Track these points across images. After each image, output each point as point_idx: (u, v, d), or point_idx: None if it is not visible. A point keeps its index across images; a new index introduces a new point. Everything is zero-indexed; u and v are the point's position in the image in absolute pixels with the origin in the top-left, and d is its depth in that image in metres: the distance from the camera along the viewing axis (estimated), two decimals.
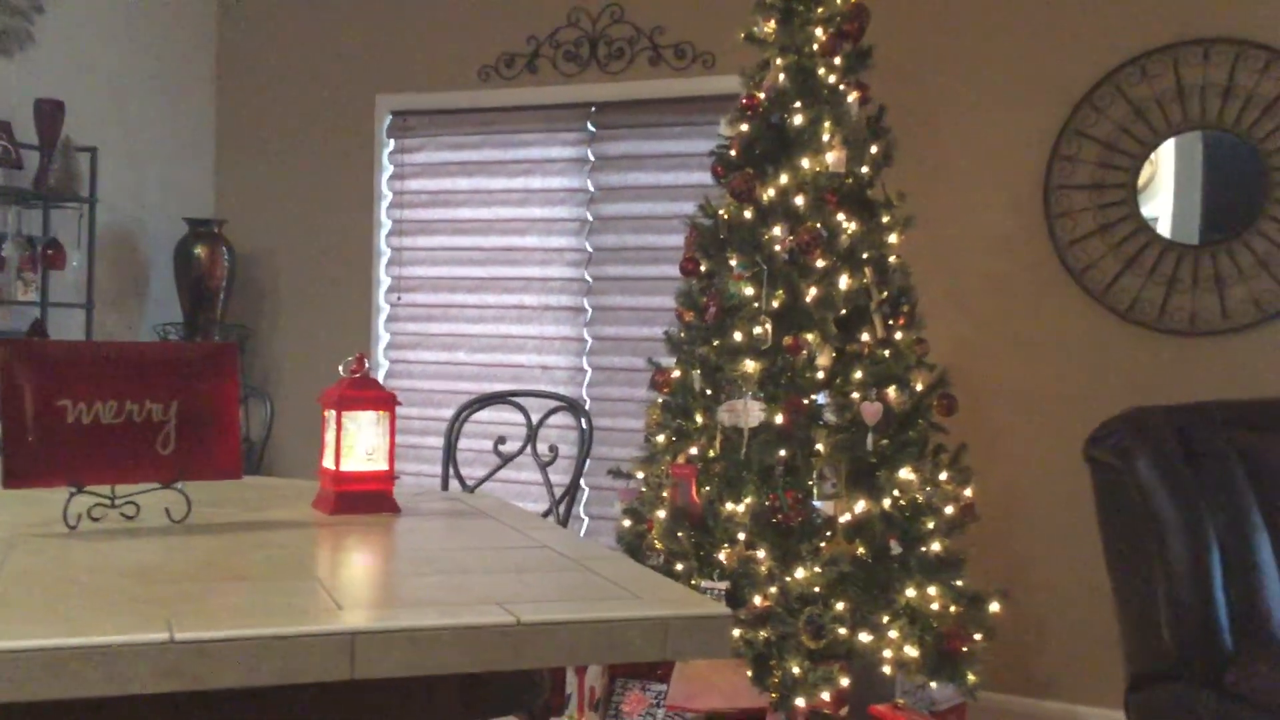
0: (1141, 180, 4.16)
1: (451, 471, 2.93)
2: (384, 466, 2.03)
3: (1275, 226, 3.90)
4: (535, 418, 2.94)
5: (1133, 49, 4.04)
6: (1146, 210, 4.14)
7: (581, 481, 4.85)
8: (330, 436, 2.02)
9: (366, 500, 2.02)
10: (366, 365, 2.04)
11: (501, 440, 2.90)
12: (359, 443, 2.01)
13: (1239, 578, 2.71)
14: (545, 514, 2.86)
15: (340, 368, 2.06)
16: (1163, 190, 4.16)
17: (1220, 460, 2.84)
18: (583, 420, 2.92)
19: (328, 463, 2.04)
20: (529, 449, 2.90)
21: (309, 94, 5.31)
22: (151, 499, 1.92)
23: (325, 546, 1.81)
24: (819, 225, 3.51)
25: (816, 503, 3.51)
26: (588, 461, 4.77)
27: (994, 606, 3.57)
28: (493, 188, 5.00)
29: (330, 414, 2.02)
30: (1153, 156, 4.12)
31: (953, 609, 3.53)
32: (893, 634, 3.39)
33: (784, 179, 3.56)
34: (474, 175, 5.03)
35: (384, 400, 2.04)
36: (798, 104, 3.57)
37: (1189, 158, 4.10)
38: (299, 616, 1.36)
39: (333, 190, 5.27)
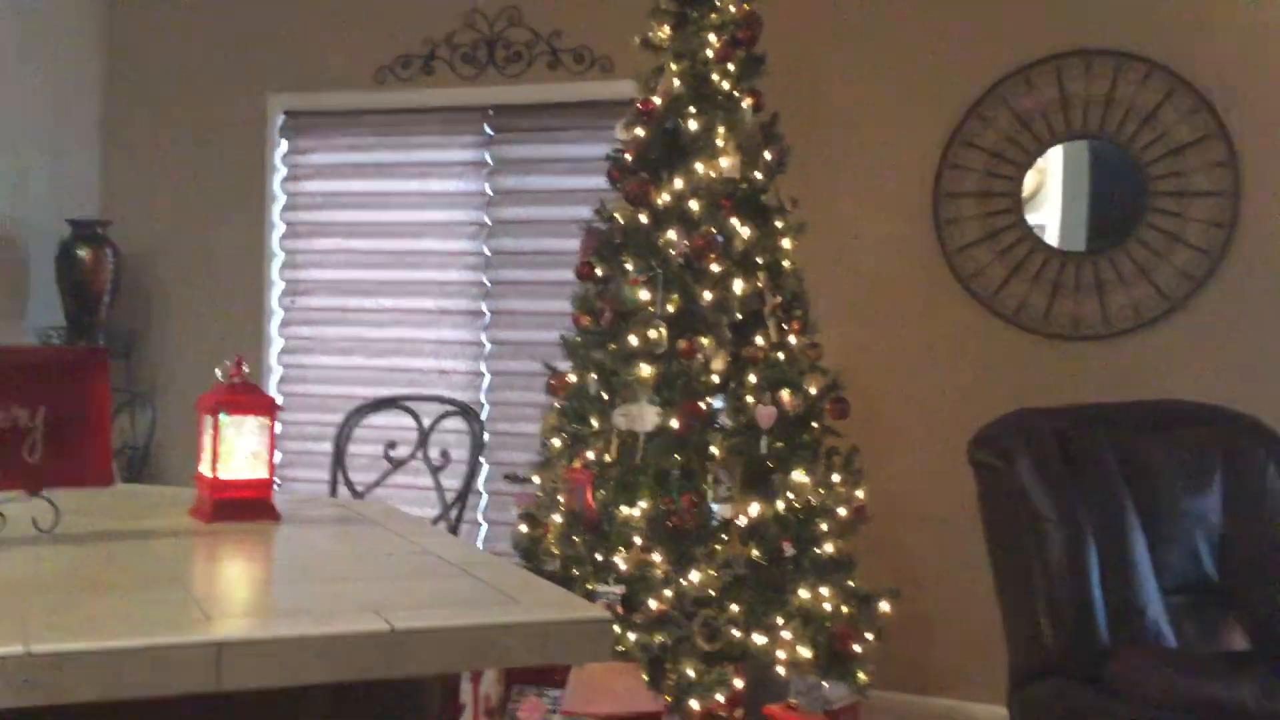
0: (1031, 189, 4.27)
1: (341, 478, 2.88)
2: (263, 473, 1.99)
3: (1155, 234, 4.04)
4: (428, 422, 2.91)
5: (1018, 60, 4.15)
6: (1036, 218, 4.25)
7: (481, 487, 4.83)
8: (207, 442, 1.97)
9: (245, 508, 1.97)
10: (245, 369, 2.00)
11: (392, 445, 2.86)
12: (237, 449, 1.96)
13: (1115, 575, 2.79)
14: (437, 520, 2.83)
15: (218, 371, 2.01)
16: (1051, 198, 4.28)
17: (1098, 461, 2.93)
18: (474, 424, 2.89)
19: (204, 469, 1.98)
20: (420, 454, 2.86)
21: (199, 92, 5.19)
22: (18, 508, 1.85)
23: (198, 555, 1.76)
24: (714, 230, 3.54)
25: (714, 506, 3.54)
26: (486, 467, 4.77)
27: (884, 606, 3.64)
28: (389, 190, 4.94)
29: (207, 419, 1.97)
30: (1041, 165, 4.24)
31: (845, 609, 3.58)
32: (786, 635, 3.43)
33: (679, 184, 3.58)
34: (370, 177, 4.97)
35: (263, 405, 2.00)
36: (692, 109, 3.59)
37: (1076, 167, 4.22)
38: (163, 627, 1.33)
39: (223, 191, 5.15)
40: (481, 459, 4.79)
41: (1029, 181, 4.26)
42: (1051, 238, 4.22)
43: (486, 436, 4.80)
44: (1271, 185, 3.91)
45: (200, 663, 1.28)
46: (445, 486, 2.93)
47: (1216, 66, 3.95)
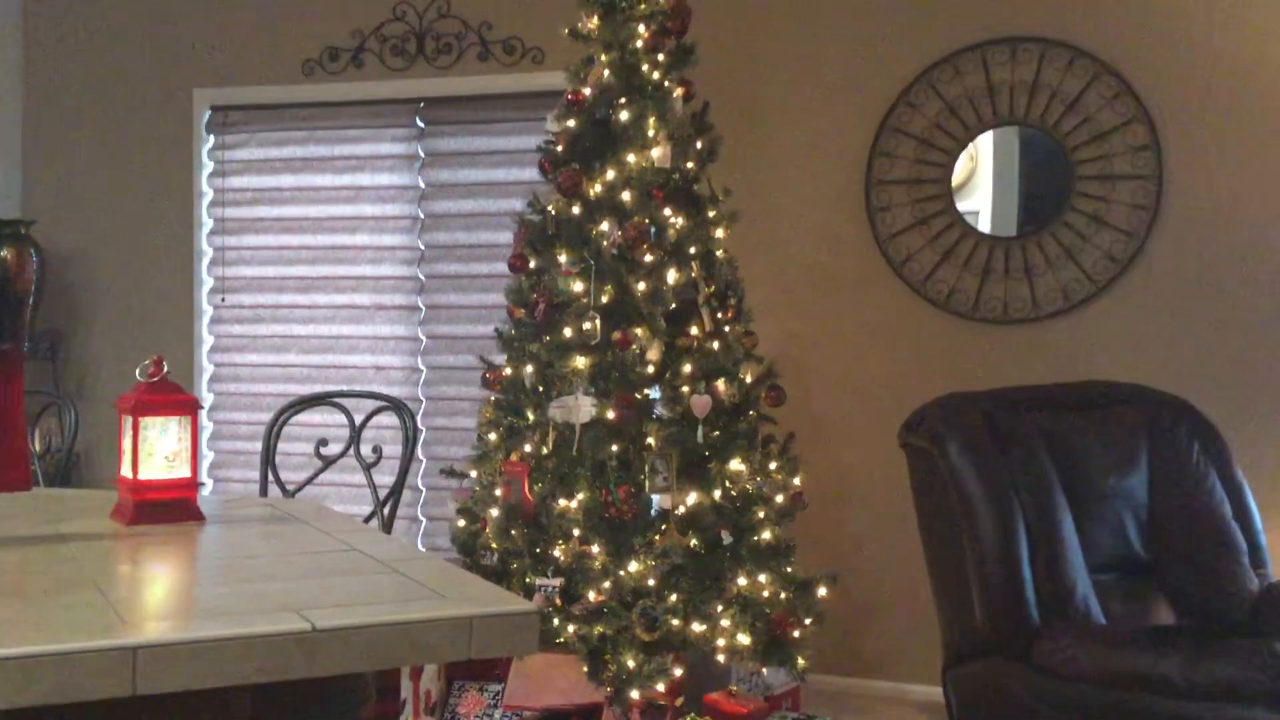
0: (963, 176, 4.32)
1: (272, 476, 2.85)
2: (186, 474, 1.96)
3: (1081, 219, 4.10)
4: (359, 419, 2.88)
5: (946, 47, 4.19)
6: (969, 205, 4.30)
7: (419, 483, 4.80)
8: (127, 444, 1.94)
9: (167, 509, 1.94)
10: (165, 368, 1.96)
11: (324, 443, 2.83)
12: (158, 449, 1.93)
13: (1044, 554, 2.84)
14: (369, 517, 2.80)
15: (138, 371, 1.97)
16: (983, 185, 4.33)
17: (1026, 443, 2.97)
18: (407, 420, 2.87)
19: (125, 471, 1.95)
20: (352, 451, 2.83)
21: (123, 87, 5.08)
22: None
23: (117, 559, 1.73)
24: (646, 220, 3.54)
25: (655, 496, 3.54)
26: (424, 463, 4.73)
27: (822, 591, 3.66)
28: (320, 184, 4.88)
29: (127, 420, 1.94)
30: (973, 152, 4.28)
31: (783, 596, 3.60)
32: (725, 623, 3.44)
33: (611, 174, 3.57)
34: (300, 172, 4.90)
35: (185, 404, 1.96)
36: (623, 100, 3.58)
37: (1007, 153, 4.27)
38: (76, 631, 1.30)
39: (150, 188, 5.06)
40: (420, 455, 4.77)
41: (961, 169, 4.30)
42: (984, 224, 4.27)
43: (424, 432, 4.77)
44: (1192, 167, 3.98)
45: (115, 668, 1.26)
46: (380, 483, 2.90)
47: (1139, 51, 4.01)
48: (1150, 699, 2.47)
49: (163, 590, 1.56)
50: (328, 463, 2.78)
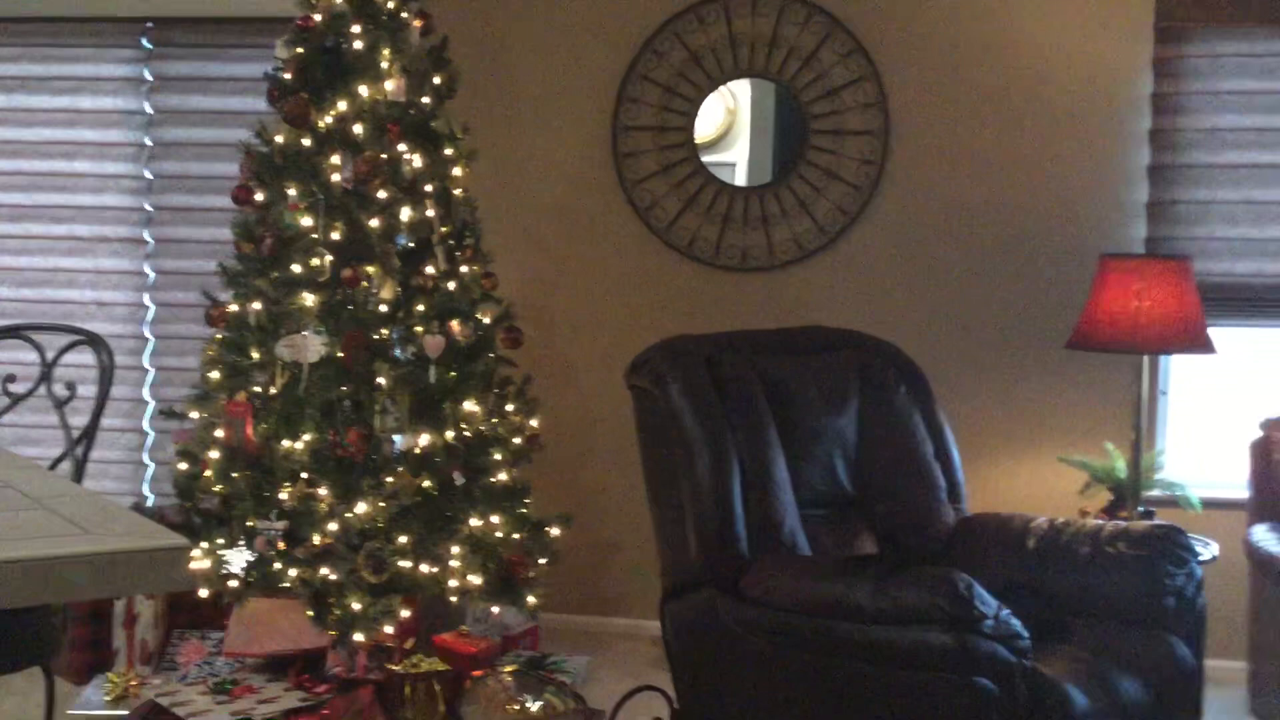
0: (722, 127, 4.40)
1: None
2: None
3: (814, 171, 4.25)
4: (51, 355, 2.70)
5: None
6: (727, 156, 4.38)
7: (146, 425, 4.57)
8: None
9: None
10: None
11: (10, 379, 2.64)
12: None
13: (757, 492, 2.95)
14: (58, 460, 2.64)
15: None
16: (741, 137, 4.41)
17: (744, 385, 3.07)
18: (104, 356, 2.71)
19: None
20: (44, 389, 2.66)
21: None
22: None
23: None
24: (381, 155, 3.45)
25: (396, 438, 3.48)
26: (151, 404, 4.50)
27: (555, 532, 3.71)
28: (34, 106, 4.52)
29: None
30: (732, 105, 4.36)
31: (516, 536, 3.62)
32: (455, 564, 3.44)
33: (342, 106, 3.46)
34: (12, 92, 4.53)
35: None
36: (356, 29, 3.47)
37: (763, 106, 4.36)
38: None
39: None
40: (148, 396, 4.54)
41: (719, 120, 4.37)
42: (740, 175, 4.37)
43: (152, 372, 4.54)
44: (916, 126, 4.18)
45: None
46: (78, 425, 2.73)
47: (870, 11, 4.16)
48: (843, 624, 2.61)
49: None
50: (15, 400, 2.61)
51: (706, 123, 4.34)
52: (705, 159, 4.32)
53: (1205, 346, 3.54)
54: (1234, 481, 3.84)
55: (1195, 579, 2.92)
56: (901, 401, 3.32)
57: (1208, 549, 3.52)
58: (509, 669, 3.29)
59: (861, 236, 4.24)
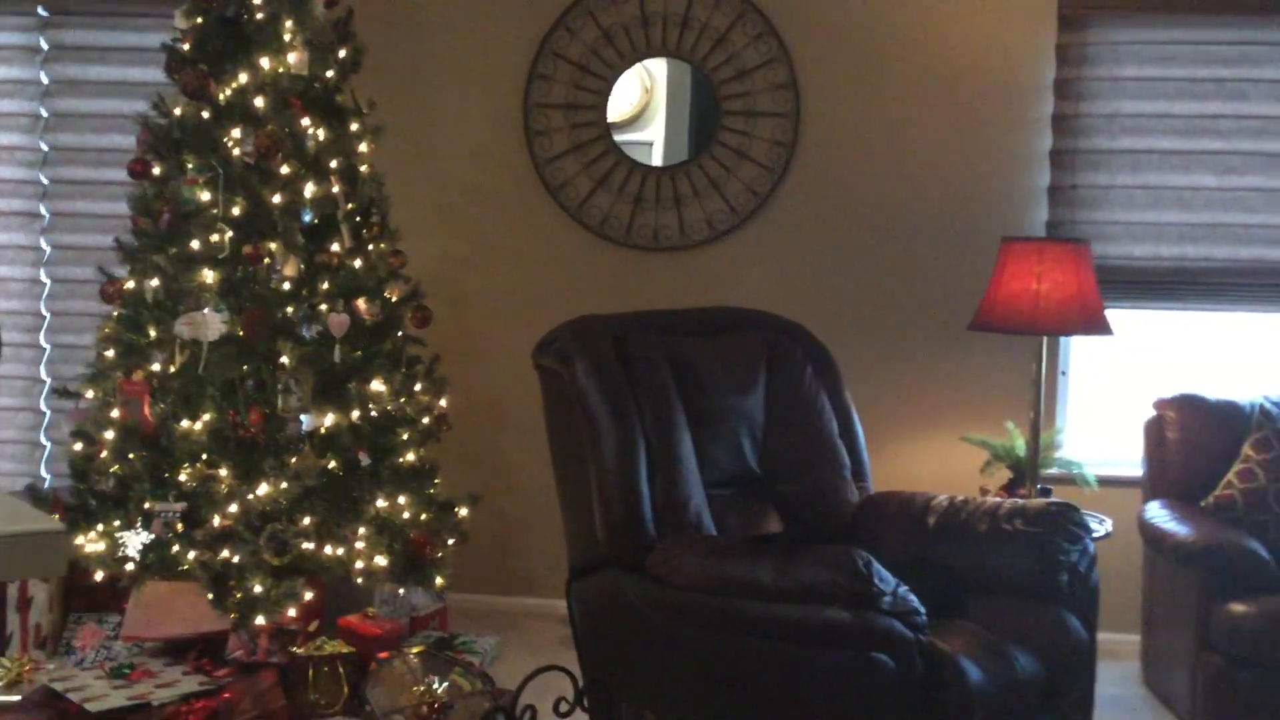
0: (638, 106, 4.38)
1: None
2: None
3: (726, 152, 4.26)
4: None
5: None
6: (644, 135, 4.36)
7: (42, 405, 4.44)
8: None
9: None
10: None
11: None
12: None
13: (663, 472, 2.94)
14: None
15: None
16: (658, 116, 4.40)
17: (651, 365, 3.06)
18: None
19: None
20: None
21: None
22: None
23: None
24: (284, 129, 3.38)
25: (304, 417, 3.43)
26: (47, 382, 4.37)
27: (464, 512, 3.69)
28: None
29: None
30: (648, 84, 4.34)
31: (424, 517, 3.59)
32: (361, 545, 3.40)
33: (243, 78, 3.38)
34: None
35: None
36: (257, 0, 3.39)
37: (679, 86, 4.34)
38: None
39: None
40: (44, 375, 4.41)
41: (636, 99, 4.36)
42: (657, 154, 4.35)
43: (48, 350, 4.42)
44: (826, 109, 4.21)
45: None
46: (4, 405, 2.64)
47: None
48: (746, 602, 2.63)
49: None
50: None
51: (623, 101, 4.33)
52: (622, 138, 4.31)
53: (1103, 328, 3.62)
54: (1130, 460, 3.95)
55: (1089, 555, 2.99)
56: (808, 382, 3.34)
57: (1102, 526, 3.62)
58: (415, 650, 3.26)
59: (772, 218, 4.26)
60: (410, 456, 3.63)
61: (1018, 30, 4.13)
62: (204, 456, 3.31)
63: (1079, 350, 4.25)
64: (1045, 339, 3.72)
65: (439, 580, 3.56)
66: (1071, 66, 4.10)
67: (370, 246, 3.59)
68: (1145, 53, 4.08)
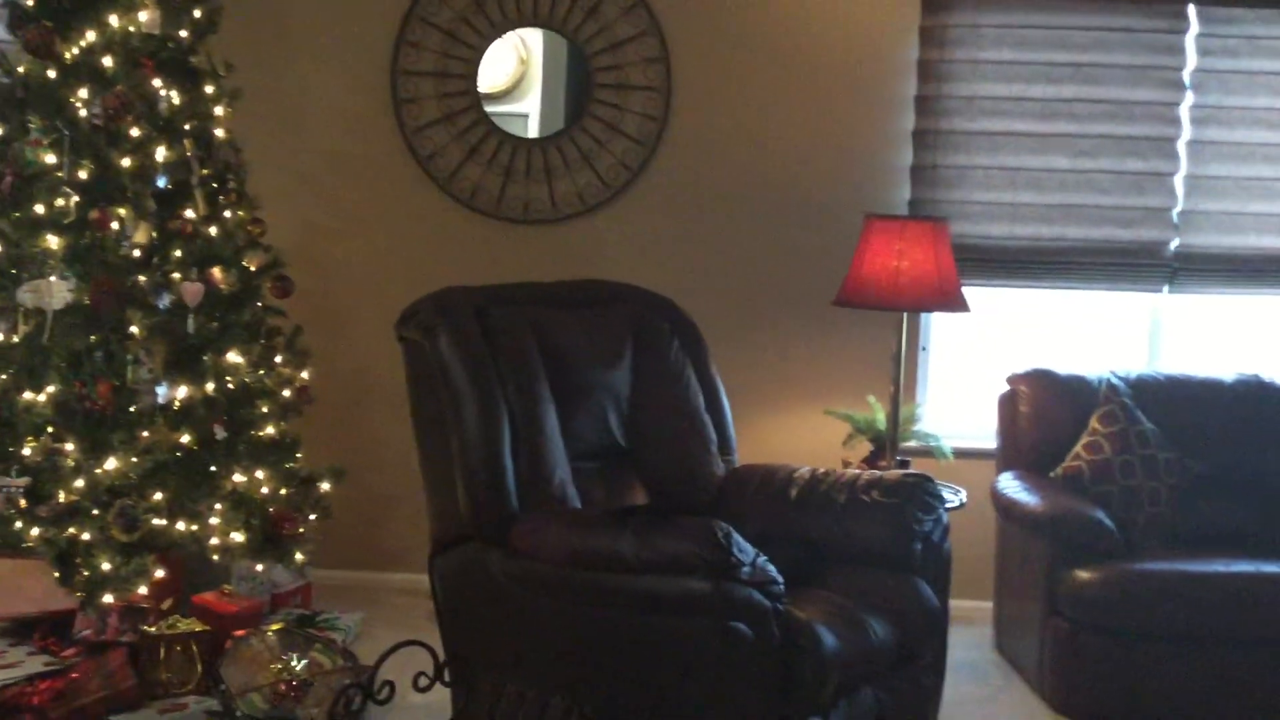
0: (514, 78, 4.32)
1: None
2: None
3: (598, 125, 4.24)
4: None
5: None
6: (520, 106, 4.30)
7: None
8: None
9: None
10: None
11: None
12: None
13: (527, 445, 2.93)
14: None
15: None
16: (534, 87, 4.35)
17: (516, 337, 3.04)
18: None
19: None
20: None
21: None
22: None
23: None
24: (134, 90, 3.25)
25: (159, 388, 3.32)
26: None
27: (326, 486, 3.62)
28: None
29: None
30: (524, 55, 4.29)
31: (284, 492, 3.52)
32: (216, 520, 3.32)
33: (91, 36, 3.24)
34: None
35: None
36: None
37: (555, 57, 4.30)
38: None
39: None
40: None
41: (512, 70, 4.30)
42: (533, 126, 4.30)
43: None
44: (696, 84, 4.22)
45: None
46: None
47: None
48: (608, 575, 2.64)
49: None
50: None
51: (498, 72, 4.28)
52: (498, 109, 4.26)
53: (960, 305, 3.72)
54: (987, 433, 4.07)
55: (942, 525, 3.08)
56: (675, 356, 3.36)
57: (957, 496, 3.73)
58: (273, 628, 3.20)
59: (642, 192, 4.27)
60: (270, 430, 3.55)
61: (885, 11, 4.20)
62: (49, 429, 3.18)
63: (939, 326, 4.36)
64: (905, 315, 3.81)
65: (299, 557, 3.50)
66: (934, 48, 4.19)
67: (227, 214, 3.49)
68: (1005, 36, 4.18)
